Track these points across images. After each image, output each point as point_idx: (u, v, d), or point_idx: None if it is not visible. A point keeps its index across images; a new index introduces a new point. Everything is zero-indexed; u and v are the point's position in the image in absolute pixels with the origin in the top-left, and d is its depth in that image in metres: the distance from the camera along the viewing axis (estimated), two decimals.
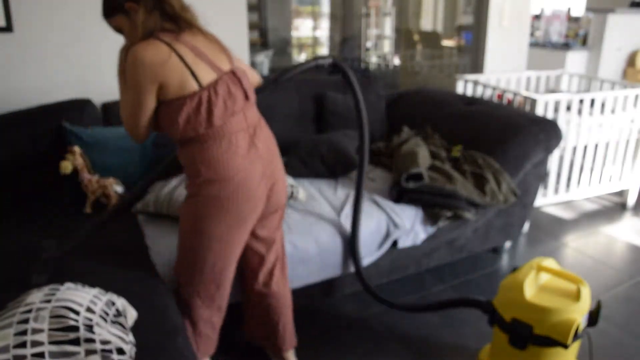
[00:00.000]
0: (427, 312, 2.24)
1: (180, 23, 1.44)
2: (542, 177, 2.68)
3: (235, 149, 1.48)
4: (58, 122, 2.31)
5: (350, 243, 2.06)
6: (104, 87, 2.59)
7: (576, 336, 1.63)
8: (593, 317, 1.71)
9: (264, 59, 4.91)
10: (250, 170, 1.51)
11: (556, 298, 1.67)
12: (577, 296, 1.67)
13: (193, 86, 1.40)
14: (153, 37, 1.38)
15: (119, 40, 2.68)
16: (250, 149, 1.52)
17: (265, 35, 5.91)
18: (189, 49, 1.41)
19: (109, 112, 2.49)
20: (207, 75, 1.43)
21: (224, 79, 1.46)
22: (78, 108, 2.40)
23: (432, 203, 2.25)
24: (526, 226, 3.06)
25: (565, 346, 1.60)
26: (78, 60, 2.51)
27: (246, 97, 1.52)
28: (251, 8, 4.58)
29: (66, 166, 2.12)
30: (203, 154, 1.47)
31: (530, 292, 1.69)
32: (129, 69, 1.37)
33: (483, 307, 1.83)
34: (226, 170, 1.47)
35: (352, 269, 2.14)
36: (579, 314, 1.63)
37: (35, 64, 2.42)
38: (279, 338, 1.89)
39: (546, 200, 3.17)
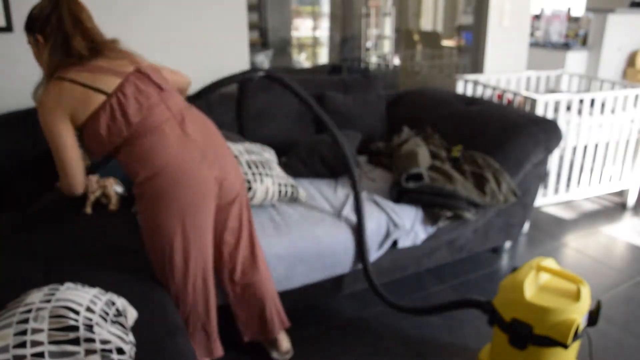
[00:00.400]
0: (429, 315, 2.23)
1: (84, 58, 1.49)
2: (542, 177, 2.68)
3: (164, 139, 1.51)
4: None
5: (359, 246, 2.07)
6: None
7: (576, 336, 1.63)
8: (593, 317, 1.71)
9: (264, 59, 4.91)
10: (184, 156, 1.53)
11: (556, 298, 1.67)
12: (577, 296, 1.66)
13: (100, 98, 1.46)
14: (54, 76, 1.47)
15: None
16: (181, 136, 1.54)
17: (265, 35, 5.91)
18: (87, 71, 1.47)
19: None
20: (111, 83, 1.48)
21: (130, 79, 1.50)
22: None
23: (432, 203, 2.25)
24: (526, 226, 3.06)
25: (565, 346, 1.60)
26: None
27: (160, 88, 1.56)
28: (251, 8, 4.58)
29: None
30: (134, 153, 1.51)
31: (530, 292, 1.69)
32: (39, 115, 1.47)
33: (483, 307, 1.83)
34: (160, 161, 1.50)
35: (360, 266, 2.15)
36: (579, 314, 1.63)
37: (35, 64, 2.42)
38: (268, 324, 1.90)
39: (546, 200, 3.17)
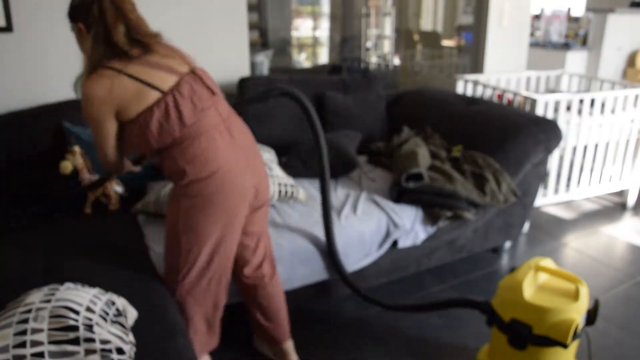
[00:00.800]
0: (425, 312, 2.24)
1: (129, 52, 1.44)
2: (542, 177, 2.68)
3: (215, 143, 1.50)
4: (58, 122, 2.31)
5: (330, 254, 2.04)
6: None
7: (575, 336, 1.63)
8: (591, 316, 1.71)
9: (264, 59, 4.91)
10: (233, 161, 1.53)
11: (555, 298, 1.67)
12: (575, 296, 1.67)
13: (154, 95, 1.42)
14: (100, 66, 1.42)
15: None
16: (230, 140, 1.54)
17: (265, 35, 5.91)
18: (141, 65, 1.43)
19: None
20: (166, 81, 1.45)
21: (186, 79, 1.48)
22: (78, 108, 2.37)
23: (432, 203, 2.25)
24: (526, 226, 3.06)
25: (565, 346, 1.60)
26: (78, 60, 2.50)
27: (212, 92, 1.54)
28: (251, 8, 4.58)
29: (66, 166, 2.11)
30: (185, 154, 1.48)
31: (529, 292, 1.69)
32: (83, 106, 1.45)
33: (481, 307, 1.83)
34: (211, 166, 1.49)
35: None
36: (578, 314, 1.63)
37: (35, 64, 2.42)
38: (280, 328, 1.91)
39: (546, 200, 3.17)
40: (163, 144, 1.47)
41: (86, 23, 1.43)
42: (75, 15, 1.46)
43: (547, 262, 1.80)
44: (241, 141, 1.59)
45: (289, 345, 1.96)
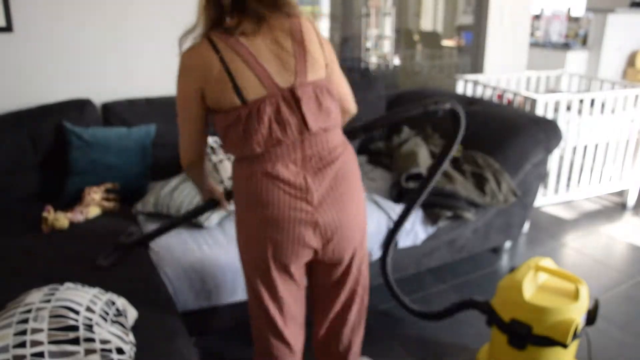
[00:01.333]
0: (433, 320, 2.21)
1: (230, 23, 1.22)
2: (542, 177, 2.68)
3: (272, 182, 1.25)
4: (58, 122, 2.31)
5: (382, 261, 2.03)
6: (104, 87, 2.59)
7: (575, 336, 1.63)
8: (591, 316, 1.71)
9: None
10: (282, 212, 1.27)
11: (555, 298, 1.67)
12: (575, 296, 1.67)
13: (234, 100, 1.21)
14: (205, 36, 1.23)
15: (118, 40, 2.69)
16: (295, 188, 1.26)
17: None
18: (240, 55, 1.20)
19: (109, 112, 2.49)
20: (254, 90, 1.20)
21: (276, 97, 1.21)
22: (78, 108, 2.40)
23: (432, 203, 2.25)
24: (526, 226, 3.06)
25: (565, 346, 1.60)
26: (78, 60, 2.51)
27: (306, 126, 1.24)
28: None
29: (62, 222, 2.00)
30: (235, 172, 1.34)
31: (529, 292, 1.69)
32: (178, 74, 1.29)
33: (481, 307, 1.83)
34: (253, 200, 1.28)
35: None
36: (577, 314, 1.63)
37: (35, 64, 2.42)
38: None
39: (546, 200, 3.17)
40: (226, 150, 1.32)
41: None
42: None
43: (547, 262, 1.80)
44: (319, 194, 1.29)
45: None
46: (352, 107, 1.48)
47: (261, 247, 1.33)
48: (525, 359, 1.70)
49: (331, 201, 1.31)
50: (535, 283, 1.74)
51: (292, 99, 1.22)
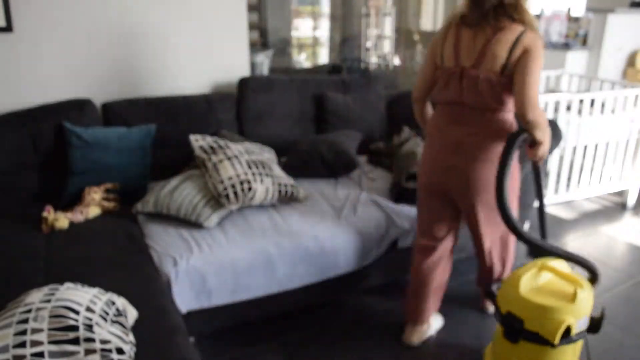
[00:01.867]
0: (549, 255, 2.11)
1: (467, 20, 1.70)
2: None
3: (436, 125, 1.84)
4: (58, 122, 2.31)
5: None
6: (104, 87, 2.59)
7: (569, 338, 1.63)
8: (594, 323, 1.70)
9: (264, 59, 4.91)
10: (431, 146, 1.85)
11: (550, 297, 1.67)
12: (572, 298, 1.66)
13: (438, 63, 1.79)
14: (455, 16, 1.75)
15: (118, 41, 2.69)
16: (442, 133, 1.80)
17: (265, 35, 5.91)
18: (453, 36, 1.73)
19: (109, 112, 2.49)
20: (447, 60, 1.75)
21: (452, 70, 1.73)
22: (78, 108, 2.40)
23: None
24: (526, 226, 3.06)
25: (553, 345, 1.60)
26: (78, 60, 2.51)
27: (461, 96, 1.73)
28: (251, 8, 4.58)
29: (62, 223, 2.01)
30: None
31: (525, 288, 1.69)
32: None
33: (591, 271, 1.80)
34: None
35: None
36: (572, 316, 1.63)
37: (35, 64, 2.42)
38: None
39: (546, 200, 3.17)
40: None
41: None
42: None
43: (557, 263, 1.80)
44: (447, 139, 1.80)
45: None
46: (523, 104, 1.65)
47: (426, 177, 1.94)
48: (525, 355, 1.71)
49: (453, 152, 1.83)
50: (536, 280, 1.74)
51: (461, 74, 1.72)
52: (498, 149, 1.73)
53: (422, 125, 2.03)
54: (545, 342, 1.63)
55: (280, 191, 2.17)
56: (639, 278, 2.59)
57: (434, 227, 1.97)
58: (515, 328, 1.67)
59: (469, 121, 1.75)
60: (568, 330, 1.62)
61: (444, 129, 1.80)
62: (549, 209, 3.39)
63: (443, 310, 2.21)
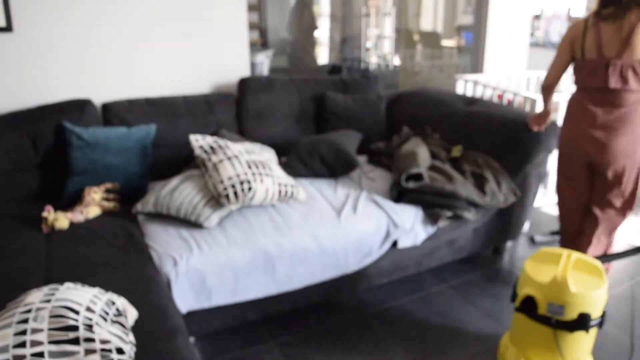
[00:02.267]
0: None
1: (604, 16, 2.03)
2: (542, 177, 2.68)
3: (581, 105, 2.17)
4: (58, 122, 2.31)
5: None
6: (104, 87, 2.59)
7: (587, 325, 1.68)
8: (602, 319, 1.76)
9: (264, 59, 4.91)
10: (575, 124, 2.20)
11: (574, 283, 1.72)
12: (595, 287, 1.71)
13: (579, 55, 2.13)
14: (588, 16, 2.11)
15: (119, 40, 2.69)
16: (586, 112, 2.14)
17: (265, 35, 5.91)
18: (593, 32, 2.06)
19: (109, 112, 2.49)
20: (590, 53, 2.07)
21: (597, 61, 2.05)
22: (78, 108, 2.40)
23: (432, 203, 2.25)
24: (526, 226, 3.06)
25: (571, 330, 1.68)
26: (78, 60, 2.51)
27: (606, 82, 2.03)
28: (251, 8, 4.58)
29: (62, 223, 2.00)
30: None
31: (550, 273, 1.75)
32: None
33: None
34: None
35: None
36: (591, 304, 1.68)
37: (35, 64, 2.42)
38: None
39: (546, 200, 3.16)
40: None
41: None
42: None
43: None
44: (600, 119, 2.11)
45: None
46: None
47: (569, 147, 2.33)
48: (542, 339, 1.77)
49: (608, 130, 2.14)
50: (561, 266, 1.79)
51: (605, 65, 2.03)
52: (637, 124, 2.06)
53: (547, 105, 2.40)
54: (564, 326, 1.69)
55: (280, 191, 2.17)
56: (638, 278, 2.59)
57: (573, 192, 2.33)
58: (534, 312, 1.74)
59: (613, 102, 2.07)
60: (587, 318, 1.67)
61: (590, 109, 2.12)
62: (549, 209, 3.39)
63: (460, 297, 2.21)
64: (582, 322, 1.69)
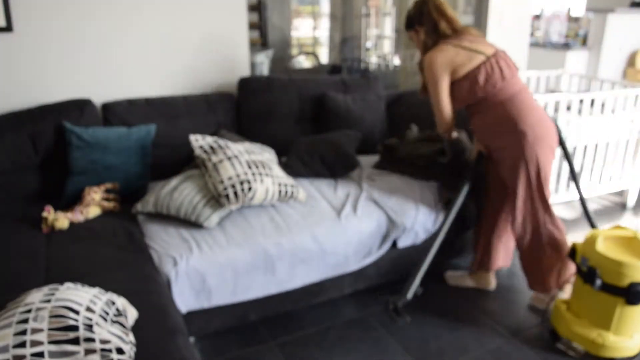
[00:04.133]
0: None
1: (451, 36, 2.07)
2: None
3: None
4: (58, 122, 2.32)
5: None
6: (104, 87, 2.59)
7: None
8: None
9: (264, 59, 4.91)
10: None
11: (625, 254, 1.90)
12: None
13: (480, 57, 2.03)
14: (437, 44, 2.08)
15: (119, 40, 2.69)
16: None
17: (265, 35, 5.91)
18: (467, 41, 2.06)
19: (109, 112, 2.49)
20: (486, 49, 2.05)
21: (498, 53, 2.06)
22: (78, 108, 2.40)
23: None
24: None
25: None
26: (78, 60, 2.51)
27: (510, 68, 2.06)
28: (251, 8, 4.57)
29: (62, 223, 2.01)
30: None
31: (602, 245, 1.95)
32: (427, 71, 2.09)
33: None
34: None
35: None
36: None
37: (35, 64, 2.42)
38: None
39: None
40: (484, 93, 2.03)
41: (421, 23, 2.12)
42: (412, 22, 2.15)
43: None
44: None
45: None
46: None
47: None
48: (600, 306, 1.93)
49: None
50: (612, 240, 2.01)
51: (504, 56, 2.11)
52: None
53: None
54: (619, 292, 1.85)
55: (280, 191, 2.17)
56: None
57: None
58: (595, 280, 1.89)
59: None
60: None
61: None
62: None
63: (460, 297, 2.21)
64: None
